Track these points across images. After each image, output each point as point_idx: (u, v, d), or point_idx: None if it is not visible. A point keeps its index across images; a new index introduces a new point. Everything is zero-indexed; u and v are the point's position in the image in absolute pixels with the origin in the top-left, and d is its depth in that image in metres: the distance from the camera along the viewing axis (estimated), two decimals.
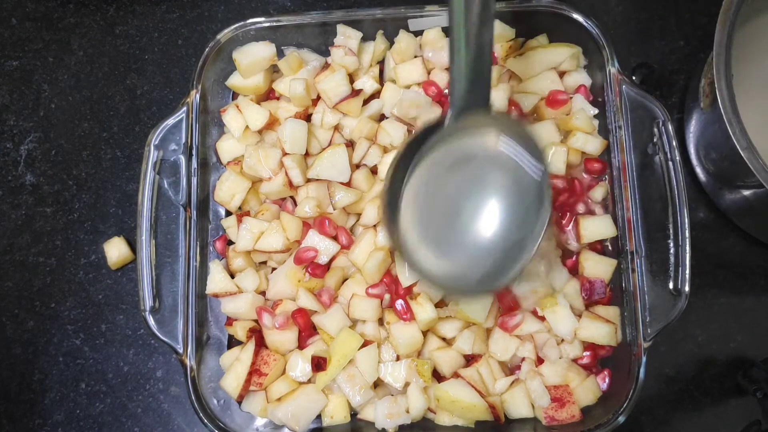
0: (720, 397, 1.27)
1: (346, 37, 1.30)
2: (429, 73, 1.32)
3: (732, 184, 1.24)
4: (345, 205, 1.24)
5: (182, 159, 1.24)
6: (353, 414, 1.20)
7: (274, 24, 1.29)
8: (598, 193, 1.25)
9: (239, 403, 1.21)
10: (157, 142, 1.23)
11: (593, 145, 1.23)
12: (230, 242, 1.29)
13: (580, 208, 1.24)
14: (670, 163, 1.14)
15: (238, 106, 1.29)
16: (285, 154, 1.25)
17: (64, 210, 1.42)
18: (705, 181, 1.32)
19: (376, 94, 1.32)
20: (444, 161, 0.95)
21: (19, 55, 1.50)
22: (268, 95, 1.35)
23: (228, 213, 1.31)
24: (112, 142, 1.45)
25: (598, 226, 1.21)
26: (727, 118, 1.04)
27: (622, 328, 1.19)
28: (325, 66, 1.33)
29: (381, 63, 1.36)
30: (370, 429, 1.17)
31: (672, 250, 1.14)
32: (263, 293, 1.25)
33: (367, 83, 1.30)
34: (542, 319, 1.18)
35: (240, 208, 1.30)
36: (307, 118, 1.31)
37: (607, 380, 1.20)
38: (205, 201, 1.29)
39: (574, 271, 1.23)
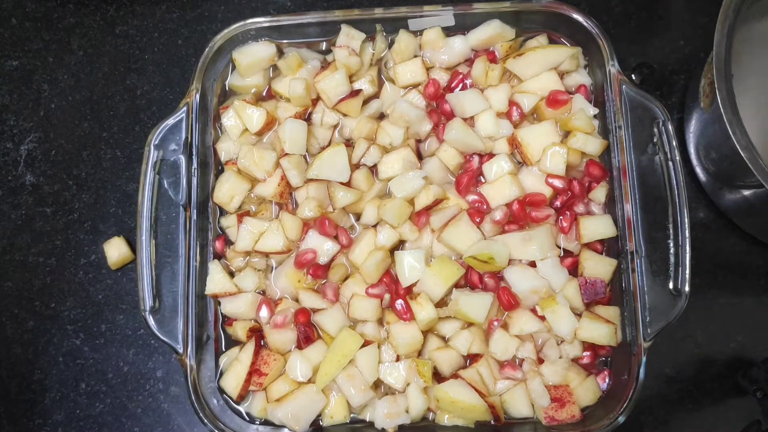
0: (720, 397, 1.27)
1: (350, 37, 1.30)
2: (428, 72, 1.32)
3: (732, 184, 1.24)
4: (345, 205, 1.24)
5: (182, 159, 1.24)
6: (353, 414, 1.20)
7: (274, 24, 1.29)
8: (599, 193, 1.25)
9: (238, 403, 1.21)
10: (157, 142, 1.23)
11: (593, 145, 1.23)
12: (230, 242, 1.29)
13: (580, 208, 1.24)
14: (670, 163, 1.14)
15: (237, 107, 1.29)
16: (285, 154, 1.25)
17: (64, 210, 1.42)
18: (705, 181, 1.32)
19: (375, 94, 1.32)
20: None
21: (19, 55, 1.50)
22: (268, 95, 1.35)
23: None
24: (112, 142, 1.45)
25: (598, 226, 1.21)
26: (727, 118, 1.04)
27: (622, 328, 1.19)
28: (325, 66, 1.33)
29: (380, 62, 1.36)
30: (370, 429, 1.18)
31: (672, 250, 1.14)
32: (263, 293, 1.25)
33: (366, 83, 1.30)
34: (542, 319, 1.18)
35: (239, 208, 1.30)
36: (307, 118, 1.31)
37: (607, 380, 1.19)
38: (205, 201, 1.29)
39: (574, 271, 1.23)
